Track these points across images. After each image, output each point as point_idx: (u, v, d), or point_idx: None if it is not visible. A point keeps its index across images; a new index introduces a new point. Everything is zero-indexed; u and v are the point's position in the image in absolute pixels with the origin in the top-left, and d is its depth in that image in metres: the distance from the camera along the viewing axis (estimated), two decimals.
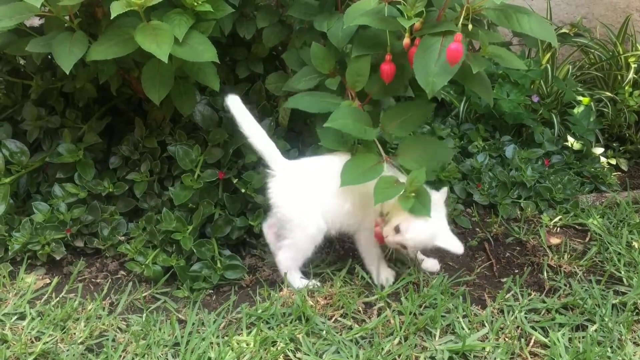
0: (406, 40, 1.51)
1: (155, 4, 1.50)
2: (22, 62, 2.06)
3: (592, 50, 2.75)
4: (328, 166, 1.65)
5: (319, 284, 1.70)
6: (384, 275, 1.72)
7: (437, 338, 1.51)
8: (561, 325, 1.56)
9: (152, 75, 1.64)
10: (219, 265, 1.74)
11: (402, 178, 1.58)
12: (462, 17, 1.41)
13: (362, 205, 1.65)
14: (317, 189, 1.65)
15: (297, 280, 1.69)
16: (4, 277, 1.72)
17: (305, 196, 1.65)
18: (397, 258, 1.80)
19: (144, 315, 1.61)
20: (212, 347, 1.48)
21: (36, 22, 1.85)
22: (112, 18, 1.46)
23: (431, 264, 1.80)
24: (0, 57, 2.03)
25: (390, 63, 1.56)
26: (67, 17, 1.61)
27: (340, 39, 1.68)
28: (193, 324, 1.56)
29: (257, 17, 1.89)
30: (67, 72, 1.54)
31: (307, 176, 1.67)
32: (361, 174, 1.56)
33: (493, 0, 1.38)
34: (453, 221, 2.04)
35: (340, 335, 1.52)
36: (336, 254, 1.86)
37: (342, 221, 1.68)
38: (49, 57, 1.92)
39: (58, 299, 1.67)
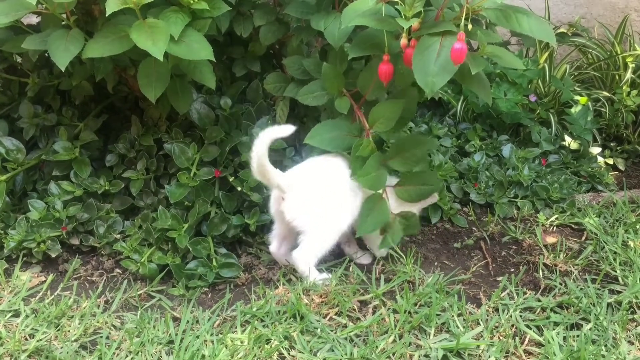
0: (403, 41, 1.51)
1: (151, 1, 1.50)
2: (18, 59, 2.06)
3: (590, 50, 2.75)
4: (330, 166, 1.71)
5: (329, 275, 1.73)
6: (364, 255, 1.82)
7: (431, 336, 1.51)
8: (556, 324, 1.56)
9: (148, 73, 1.64)
10: (214, 263, 1.74)
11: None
12: (462, 17, 1.41)
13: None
14: (330, 189, 1.69)
15: (318, 274, 1.70)
16: None
17: (320, 198, 1.68)
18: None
19: (139, 313, 1.61)
20: (206, 345, 1.48)
21: (34, 20, 1.85)
22: (107, 15, 1.46)
23: (364, 258, 1.83)
24: None
25: (388, 63, 1.56)
26: (63, 15, 1.61)
27: (337, 38, 1.68)
28: (187, 321, 1.56)
29: (254, 15, 1.89)
30: (63, 70, 1.55)
31: (315, 180, 1.70)
32: (376, 218, 1.67)
33: (494, 0, 1.38)
34: (449, 220, 2.04)
35: (335, 333, 1.52)
36: (331, 251, 1.86)
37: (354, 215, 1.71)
38: (46, 54, 1.92)
39: (53, 296, 1.67)
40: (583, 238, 1.96)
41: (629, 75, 2.58)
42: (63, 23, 1.63)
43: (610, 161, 2.47)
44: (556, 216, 2.05)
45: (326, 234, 1.68)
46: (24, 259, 1.79)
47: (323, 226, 1.68)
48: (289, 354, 1.46)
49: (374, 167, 1.66)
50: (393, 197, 1.73)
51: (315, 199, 1.67)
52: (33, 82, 1.97)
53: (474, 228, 2.02)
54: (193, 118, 1.94)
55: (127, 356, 1.45)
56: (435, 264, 1.83)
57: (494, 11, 1.46)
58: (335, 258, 1.82)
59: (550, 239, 1.93)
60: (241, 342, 1.48)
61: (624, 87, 2.57)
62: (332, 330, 1.53)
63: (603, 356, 1.45)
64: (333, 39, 1.69)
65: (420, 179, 1.74)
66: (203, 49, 1.59)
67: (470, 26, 1.41)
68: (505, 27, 1.48)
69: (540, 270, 1.77)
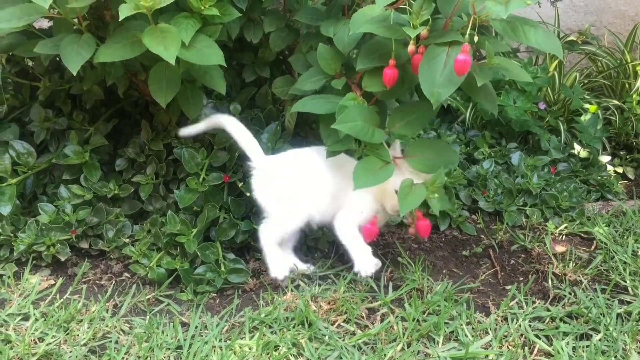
0: (411, 47, 1.50)
1: (162, 7, 1.51)
2: (30, 63, 2.07)
3: (600, 58, 2.75)
4: (308, 157, 1.74)
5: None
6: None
7: (440, 345, 1.51)
8: (565, 334, 1.55)
9: (159, 78, 1.65)
10: (223, 268, 1.74)
11: (414, 175, 1.62)
12: (469, 27, 1.41)
13: (344, 188, 1.71)
14: (301, 179, 1.73)
15: (275, 254, 1.73)
16: (9, 277, 1.73)
17: (292, 187, 1.73)
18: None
19: (147, 317, 1.61)
20: (214, 351, 1.48)
21: (45, 24, 1.86)
22: (120, 20, 1.46)
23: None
24: (9, 58, 2.04)
25: (394, 68, 1.56)
26: (75, 19, 1.62)
27: (347, 44, 1.68)
28: (196, 327, 1.56)
29: (264, 21, 1.89)
30: (75, 74, 1.55)
31: (290, 168, 1.75)
32: (372, 176, 1.58)
33: (499, 13, 1.37)
34: (458, 227, 2.04)
35: (343, 340, 1.52)
36: (339, 257, 1.86)
37: (327, 207, 1.74)
38: (57, 59, 1.93)
39: (62, 300, 1.67)
40: (592, 247, 1.95)
41: (639, 83, 2.58)
42: (75, 28, 1.64)
43: (620, 170, 2.46)
44: (565, 225, 2.04)
45: (285, 218, 1.72)
46: (34, 262, 1.79)
47: (282, 209, 1.72)
48: None
49: (362, 116, 1.58)
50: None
51: (279, 182, 1.72)
52: (44, 86, 1.98)
53: (482, 236, 2.01)
54: None
55: None
56: (444, 271, 1.83)
57: (501, 22, 1.45)
58: (343, 264, 1.82)
59: (560, 248, 1.92)
60: (249, 349, 1.48)
61: (634, 96, 2.56)
62: (340, 338, 1.53)
63: None
64: (342, 46, 1.69)
65: (432, 147, 1.69)
66: (214, 54, 1.59)
67: (476, 37, 1.41)
68: (512, 39, 1.48)
69: (550, 280, 1.77)
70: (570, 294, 1.71)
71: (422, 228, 1.67)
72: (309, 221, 1.75)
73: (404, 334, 1.53)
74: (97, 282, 1.77)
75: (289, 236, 1.77)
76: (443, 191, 1.61)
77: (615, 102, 2.59)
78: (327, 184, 1.73)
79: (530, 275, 1.81)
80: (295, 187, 1.72)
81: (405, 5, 1.49)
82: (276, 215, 1.73)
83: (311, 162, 1.74)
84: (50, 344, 1.50)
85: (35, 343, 1.51)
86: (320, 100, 1.69)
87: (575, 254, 1.89)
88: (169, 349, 1.49)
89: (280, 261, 1.73)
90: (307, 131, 2.04)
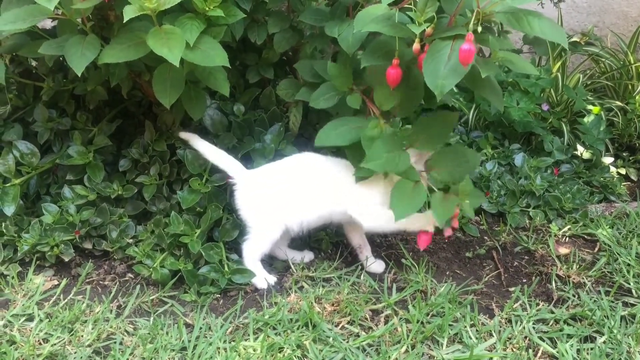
0: (416, 46, 1.50)
1: (167, 8, 1.51)
2: (34, 63, 2.07)
3: (603, 59, 2.74)
4: (289, 168, 1.75)
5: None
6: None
7: (444, 347, 1.51)
8: (569, 336, 1.55)
9: (163, 79, 1.65)
10: (226, 269, 1.74)
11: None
12: (472, 21, 1.40)
13: (329, 191, 1.72)
14: (281, 190, 1.73)
15: (258, 270, 1.76)
16: (13, 278, 1.73)
17: (268, 200, 1.74)
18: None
19: (152, 318, 1.61)
20: (219, 352, 1.48)
21: (48, 23, 1.86)
22: (124, 22, 1.46)
23: (376, 266, 1.82)
24: (12, 58, 2.04)
25: (397, 68, 1.56)
26: (79, 20, 1.61)
27: (351, 44, 1.68)
28: (200, 328, 1.56)
29: (269, 22, 1.89)
30: (79, 75, 1.55)
31: (270, 180, 1.75)
32: (410, 201, 1.58)
33: (506, 0, 1.37)
34: (461, 229, 2.04)
35: (347, 342, 1.52)
36: (343, 259, 1.86)
37: (313, 214, 1.74)
38: (61, 59, 1.93)
39: (66, 300, 1.68)
40: (596, 249, 1.95)
41: None
42: (79, 28, 1.63)
43: (623, 171, 2.46)
44: (569, 226, 2.04)
45: (264, 230, 1.74)
46: (37, 262, 1.79)
47: (260, 220, 1.74)
48: None
49: (386, 147, 1.60)
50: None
51: (256, 194, 1.75)
52: (48, 86, 1.98)
53: (485, 237, 2.01)
54: (206, 124, 1.94)
55: None
56: (447, 273, 1.83)
57: (505, 14, 1.45)
58: (346, 266, 1.82)
59: (563, 250, 1.92)
60: (254, 350, 1.48)
61: (637, 97, 2.56)
62: (344, 340, 1.53)
63: None
64: (347, 46, 1.69)
65: (452, 156, 1.67)
66: (218, 55, 1.59)
67: (480, 28, 1.41)
68: (516, 29, 1.47)
69: (553, 282, 1.77)
70: (574, 296, 1.71)
71: (423, 240, 1.69)
72: (289, 230, 1.76)
73: (408, 336, 1.53)
74: (100, 282, 1.77)
75: (269, 250, 1.78)
76: (476, 192, 1.63)
77: (619, 103, 2.59)
78: (306, 191, 1.72)
79: (533, 277, 1.81)
80: (271, 198, 1.73)
81: (410, 4, 1.49)
82: (255, 228, 1.75)
83: (287, 172, 1.75)
84: (54, 344, 1.50)
85: (40, 344, 1.51)
86: (343, 130, 1.67)
87: (578, 256, 1.89)
88: (174, 350, 1.49)
89: (264, 273, 1.76)
90: (311, 132, 2.03)
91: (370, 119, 1.66)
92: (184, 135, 1.84)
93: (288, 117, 1.98)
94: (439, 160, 1.66)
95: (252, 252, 1.75)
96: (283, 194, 1.73)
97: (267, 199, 1.74)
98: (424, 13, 1.47)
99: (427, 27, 1.46)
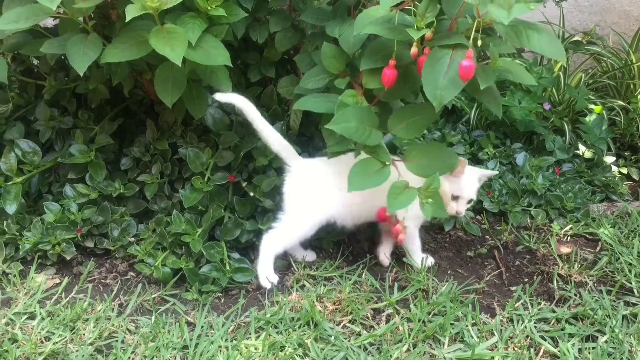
0: (414, 50, 1.50)
1: (169, 7, 1.51)
2: (35, 62, 2.07)
3: (605, 59, 2.74)
4: (339, 163, 1.71)
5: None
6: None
7: (445, 346, 1.51)
8: (571, 335, 1.55)
9: (165, 78, 1.65)
10: (228, 268, 1.74)
11: (411, 177, 1.60)
12: (473, 30, 1.40)
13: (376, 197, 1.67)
14: (327, 184, 1.72)
15: (267, 269, 1.74)
16: (15, 276, 1.73)
17: (314, 190, 1.73)
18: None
19: (153, 317, 1.61)
20: (220, 351, 1.48)
21: (50, 22, 1.86)
22: (126, 21, 1.46)
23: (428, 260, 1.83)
24: (14, 56, 2.04)
25: (393, 69, 1.55)
26: (81, 19, 1.62)
27: (352, 44, 1.68)
28: (202, 327, 1.56)
29: (270, 21, 1.89)
30: (81, 74, 1.55)
31: (319, 172, 1.74)
32: (368, 179, 1.57)
33: (501, 19, 1.36)
34: (463, 228, 2.04)
35: (349, 341, 1.52)
36: (344, 258, 1.86)
37: (354, 213, 1.75)
38: (63, 57, 1.93)
39: (68, 299, 1.68)
40: (598, 248, 1.95)
41: None
42: (81, 27, 1.63)
43: (625, 170, 2.45)
44: (570, 226, 2.04)
45: (297, 224, 1.73)
46: (39, 261, 1.80)
47: (299, 213, 1.73)
48: None
49: (358, 116, 1.57)
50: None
51: (303, 186, 1.74)
52: (50, 85, 1.99)
53: (487, 236, 2.01)
54: (208, 123, 1.94)
55: None
56: (449, 272, 1.83)
57: (505, 27, 1.45)
58: (348, 264, 1.83)
59: (565, 249, 1.92)
60: (255, 349, 1.48)
61: (639, 96, 2.56)
62: (345, 338, 1.53)
63: None
64: (348, 46, 1.68)
65: (431, 152, 1.67)
66: (220, 54, 1.60)
67: (480, 42, 1.40)
68: (515, 44, 1.48)
69: (555, 281, 1.77)
70: (575, 295, 1.71)
71: (395, 232, 1.67)
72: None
73: (409, 335, 1.53)
74: (102, 281, 1.78)
75: (292, 245, 1.77)
76: (439, 196, 1.57)
77: (620, 102, 2.58)
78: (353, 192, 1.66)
79: (535, 276, 1.81)
80: (320, 190, 1.73)
81: (410, 6, 1.49)
82: (292, 217, 1.73)
83: (341, 165, 1.68)
84: (56, 343, 1.50)
85: (42, 342, 1.51)
86: (321, 99, 1.68)
87: (580, 255, 1.89)
88: (175, 348, 1.50)
89: (271, 272, 1.74)
90: (312, 131, 2.04)
91: (349, 90, 1.64)
92: (230, 98, 1.69)
93: (289, 115, 1.98)
94: (417, 152, 1.65)
95: (276, 242, 1.73)
96: (333, 187, 1.71)
97: (316, 190, 1.73)
98: (424, 18, 1.47)
99: (426, 32, 1.46)
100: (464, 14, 1.52)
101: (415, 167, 1.63)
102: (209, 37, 1.61)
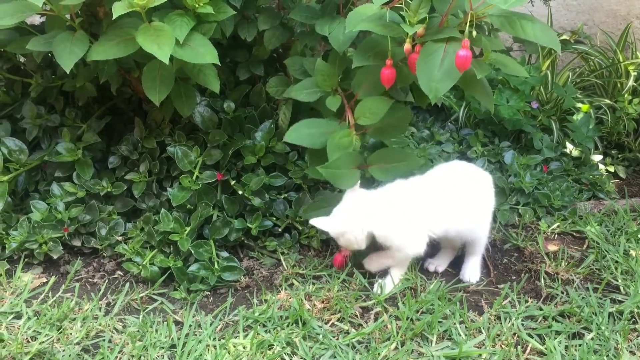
0: (407, 46, 1.51)
1: (156, 5, 1.50)
2: (22, 59, 2.06)
3: (592, 58, 2.76)
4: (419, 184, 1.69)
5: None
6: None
7: (433, 344, 1.51)
8: (558, 332, 1.56)
9: (153, 76, 1.64)
10: (216, 266, 1.74)
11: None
12: (467, 23, 1.41)
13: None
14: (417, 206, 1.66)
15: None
16: (1, 275, 1.72)
17: (406, 218, 1.65)
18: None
19: (141, 316, 1.61)
20: (208, 350, 1.48)
21: (36, 19, 1.85)
22: (113, 18, 1.45)
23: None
24: (1, 54, 2.03)
25: (391, 68, 1.56)
26: (68, 17, 1.60)
27: (342, 42, 1.68)
28: (190, 325, 1.56)
29: (259, 19, 1.89)
30: (68, 72, 1.54)
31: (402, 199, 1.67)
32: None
33: (499, 5, 1.38)
34: None
35: (337, 339, 1.52)
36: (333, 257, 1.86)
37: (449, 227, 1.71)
38: (49, 55, 1.92)
39: (55, 298, 1.67)
40: (584, 246, 1.96)
41: (630, 83, 2.59)
42: (68, 25, 1.62)
43: (612, 169, 2.47)
44: (558, 224, 2.05)
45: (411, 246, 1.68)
46: (26, 260, 1.78)
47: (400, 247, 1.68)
48: (291, 359, 1.46)
49: (349, 164, 1.61)
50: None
51: (392, 220, 1.65)
52: (36, 82, 1.97)
53: None
54: (196, 121, 1.94)
55: None
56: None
57: (499, 17, 1.46)
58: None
59: (552, 247, 1.93)
60: (244, 348, 1.48)
61: (626, 95, 2.58)
62: (334, 337, 1.53)
63: None
64: (337, 44, 1.69)
65: (391, 155, 1.70)
66: (208, 52, 1.59)
67: (474, 33, 1.41)
68: (509, 34, 1.48)
69: (542, 279, 1.78)
70: (562, 292, 1.72)
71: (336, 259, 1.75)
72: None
73: (397, 333, 1.53)
74: (89, 280, 1.77)
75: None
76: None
77: (608, 101, 2.60)
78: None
79: (523, 274, 1.82)
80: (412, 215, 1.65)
81: (401, 4, 1.49)
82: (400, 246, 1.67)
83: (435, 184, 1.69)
84: (43, 342, 1.49)
85: (28, 342, 1.50)
86: (315, 133, 1.67)
87: (567, 253, 1.90)
88: (163, 347, 1.49)
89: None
90: None
91: (343, 125, 1.66)
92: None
93: (278, 114, 1.98)
94: (379, 157, 1.69)
95: (402, 272, 1.73)
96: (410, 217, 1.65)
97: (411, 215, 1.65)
98: (417, 14, 1.47)
99: (419, 28, 1.47)
100: (455, 10, 1.52)
101: (379, 171, 1.67)
102: (196, 35, 1.60)
